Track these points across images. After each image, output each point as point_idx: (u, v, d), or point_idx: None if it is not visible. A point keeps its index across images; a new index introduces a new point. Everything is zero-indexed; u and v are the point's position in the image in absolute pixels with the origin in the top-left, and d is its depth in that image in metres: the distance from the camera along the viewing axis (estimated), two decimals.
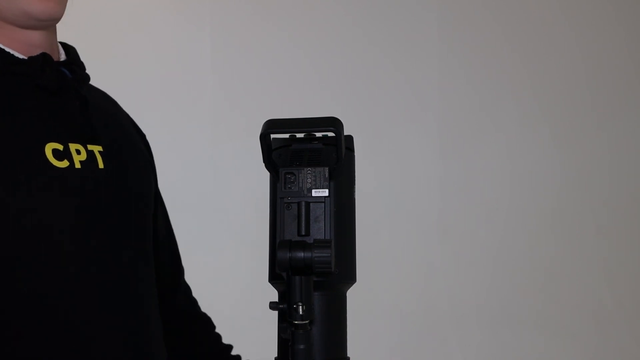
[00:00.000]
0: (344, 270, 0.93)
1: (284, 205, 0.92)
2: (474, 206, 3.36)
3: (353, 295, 0.98)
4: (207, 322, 1.33)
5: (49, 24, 1.02)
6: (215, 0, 3.23)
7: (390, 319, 3.21)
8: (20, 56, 1.01)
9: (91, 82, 1.15)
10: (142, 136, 1.24)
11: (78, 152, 0.99)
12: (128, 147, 1.13)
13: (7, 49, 1.00)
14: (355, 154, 0.99)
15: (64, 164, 0.96)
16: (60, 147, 0.97)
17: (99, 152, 1.02)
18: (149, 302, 1.10)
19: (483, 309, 3.27)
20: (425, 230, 3.32)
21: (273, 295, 0.96)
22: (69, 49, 1.11)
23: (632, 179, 3.42)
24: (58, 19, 1.03)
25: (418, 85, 3.35)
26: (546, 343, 3.23)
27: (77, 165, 0.97)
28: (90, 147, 1.01)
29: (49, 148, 0.96)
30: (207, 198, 3.14)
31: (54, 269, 0.95)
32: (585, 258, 3.36)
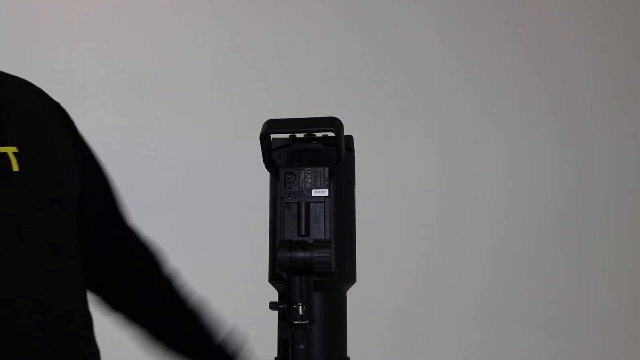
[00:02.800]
0: (344, 270, 0.93)
1: (284, 205, 0.92)
2: (474, 206, 3.36)
3: (353, 295, 0.98)
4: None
5: None
6: (215, 1, 3.23)
7: (390, 319, 3.21)
8: None
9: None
10: (68, 123, 1.15)
11: None
12: (47, 146, 1.06)
13: None
14: (355, 154, 0.99)
15: None
16: None
17: (14, 153, 0.97)
18: (68, 306, 1.05)
19: (483, 309, 3.27)
20: (425, 230, 3.32)
21: (273, 295, 0.96)
22: None
23: (632, 179, 3.42)
24: None
25: (418, 85, 3.35)
26: (546, 343, 3.23)
27: None
28: (3, 148, 0.96)
29: None
30: (207, 198, 3.14)
31: None
32: (585, 258, 3.36)
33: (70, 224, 1.07)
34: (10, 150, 0.96)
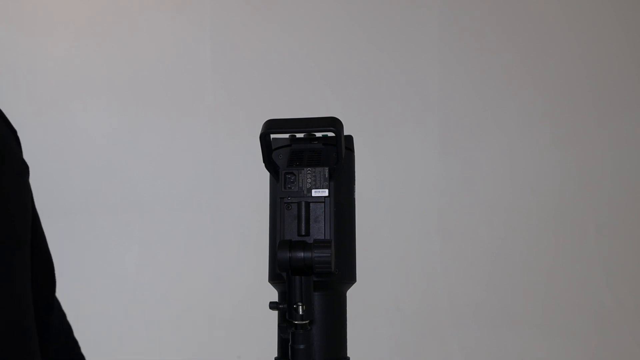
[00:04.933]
0: (344, 271, 0.93)
1: (284, 205, 0.92)
2: (474, 206, 3.35)
3: (353, 295, 0.98)
4: None
5: None
6: (215, 1, 3.23)
7: (390, 319, 3.21)
8: None
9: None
10: (13, 131, 1.10)
11: None
12: (4, 155, 1.02)
13: None
14: (356, 154, 0.99)
15: None
16: None
17: None
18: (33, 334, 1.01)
19: (483, 309, 3.27)
20: (426, 230, 3.32)
21: (273, 295, 0.96)
22: None
23: (632, 179, 3.42)
24: None
25: (418, 85, 3.35)
26: (546, 343, 3.23)
27: None
28: None
29: None
30: (207, 198, 3.14)
31: None
32: (585, 258, 3.35)
33: (26, 238, 1.03)
34: None
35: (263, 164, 0.94)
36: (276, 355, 0.97)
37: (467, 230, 3.35)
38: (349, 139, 0.98)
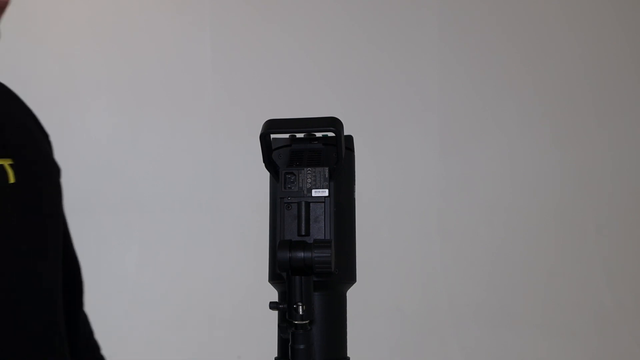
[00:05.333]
0: (344, 271, 0.93)
1: (284, 205, 0.92)
2: (474, 206, 3.36)
3: (353, 295, 0.98)
4: None
5: None
6: (215, 1, 3.23)
7: (390, 319, 3.21)
8: None
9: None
10: (45, 135, 1.14)
11: None
12: (38, 155, 1.06)
13: None
14: (356, 154, 0.99)
15: None
16: None
17: (10, 165, 0.96)
18: (61, 328, 1.04)
19: (483, 309, 3.27)
20: (426, 230, 3.32)
21: (273, 295, 0.96)
22: None
23: (632, 179, 3.42)
24: None
25: (418, 85, 3.35)
26: (546, 343, 3.23)
27: None
28: (0, 160, 0.95)
29: None
30: (207, 198, 3.14)
31: None
32: (585, 258, 3.36)
33: (60, 239, 1.06)
34: (6, 162, 0.95)
35: (263, 164, 0.94)
36: (276, 355, 0.96)
37: (467, 230, 3.35)
38: (349, 139, 0.97)
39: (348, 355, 0.96)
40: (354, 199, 0.97)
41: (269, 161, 0.94)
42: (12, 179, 0.94)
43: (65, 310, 1.09)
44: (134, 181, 3.12)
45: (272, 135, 0.95)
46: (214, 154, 3.18)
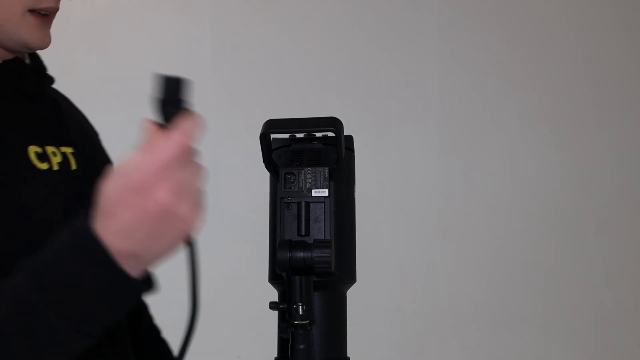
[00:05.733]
0: (344, 270, 0.93)
1: (284, 205, 0.92)
2: (474, 206, 3.36)
3: (353, 295, 0.98)
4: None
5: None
6: (215, 1, 3.23)
7: (390, 319, 3.21)
8: None
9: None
10: (97, 134, 1.22)
11: (54, 154, 0.99)
12: (94, 147, 1.13)
13: None
14: (356, 154, 0.99)
15: (45, 165, 0.97)
16: (40, 149, 0.97)
17: (71, 153, 1.02)
18: None
19: (483, 309, 3.27)
20: (426, 230, 3.32)
21: (273, 295, 0.96)
22: (31, 53, 1.12)
23: (632, 179, 3.42)
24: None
25: (418, 85, 3.35)
26: (546, 343, 3.23)
27: (55, 167, 0.98)
28: (63, 149, 1.01)
29: (31, 151, 0.96)
30: (207, 198, 3.14)
31: None
32: (585, 258, 3.36)
33: None
34: (68, 150, 1.01)
35: (263, 164, 0.94)
36: (276, 355, 0.96)
37: (467, 230, 3.35)
38: (349, 139, 0.97)
39: (348, 355, 0.96)
40: (354, 199, 0.97)
41: (269, 161, 0.94)
42: (74, 166, 1.00)
43: (133, 322, 1.14)
44: None
45: (272, 135, 0.95)
46: (214, 154, 3.18)
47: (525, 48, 3.39)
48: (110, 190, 0.69)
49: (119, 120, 3.18)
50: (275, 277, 0.93)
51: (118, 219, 0.68)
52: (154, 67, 3.50)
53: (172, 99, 0.72)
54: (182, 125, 0.70)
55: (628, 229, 3.41)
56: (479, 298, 3.28)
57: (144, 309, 1.29)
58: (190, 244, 0.74)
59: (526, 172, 3.38)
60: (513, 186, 3.37)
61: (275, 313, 0.92)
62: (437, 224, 3.33)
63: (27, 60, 1.05)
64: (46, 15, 0.98)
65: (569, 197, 3.38)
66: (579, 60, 3.42)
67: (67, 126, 1.04)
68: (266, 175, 0.96)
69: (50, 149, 0.99)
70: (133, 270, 0.70)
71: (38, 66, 1.06)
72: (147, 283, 0.74)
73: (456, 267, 3.30)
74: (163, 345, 1.29)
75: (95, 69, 3.10)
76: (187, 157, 0.70)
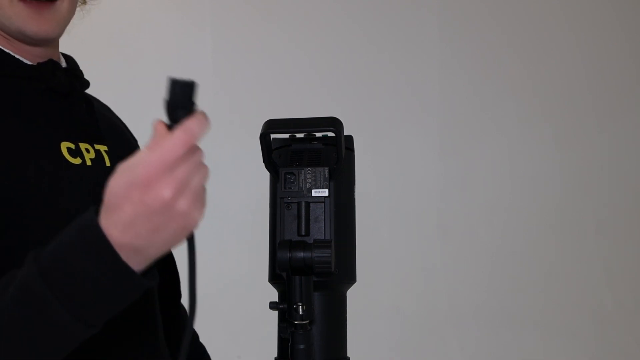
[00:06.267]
0: (344, 271, 0.93)
1: (284, 205, 0.92)
2: (474, 206, 3.36)
3: (353, 295, 0.98)
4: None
5: (43, 44, 1.04)
6: (215, 1, 3.23)
7: (390, 319, 3.21)
8: (29, 63, 1.03)
9: (90, 89, 1.17)
10: (135, 141, 1.28)
11: (87, 150, 1.02)
12: (128, 148, 1.16)
13: (17, 56, 1.02)
14: (356, 154, 0.99)
15: (77, 160, 0.99)
16: (72, 145, 0.99)
17: (105, 151, 1.05)
18: (156, 299, 1.12)
19: (483, 309, 3.27)
20: (425, 230, 3.32)
21: (273, 295, 0.96)
22: (68, 58, 1.15)
23: (632, 179, 3.42)
24: (52, 40, 1.05)
25: (418, 85, 3.35)
26: (546, 343, 3.23)
27: (88, 163, 1.00)
28: (97, 146, 1.04)
29: (63, 146, 0.98)
30: (207, 198, 3.14)
31: None
32: (585, 258, 3.36)
33: None
34: (102, 148, 1.04)
35: (263, 164, 0.94)
36: (276, 355, 0.97)
37: (467, 230, 3.35)
38: (349, 139, 0.97)
39: (348, 355, 0.96)
40: (354, 199, 0.97)
41: (269, 161, 0.94)
42: (108, 163, 1.03)
43: (164, 301, 1.16)
44: None
45: (272, 135, 0.95)
46: (214, 154, 3.17)
47: (525, 49, 3.39)
48: (116, 185, 0.70)
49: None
50: (275, 277, 0.93)
51: (121, 212, 0.70)
52: (155, 67, 3.52)
53: (181, 102, 0.74)
54: (188, 125, 0.73)
55: (628, 229, 3.41)
56: (479, 298, 3.28)
57: (182, 311, 1.31)
58: (190, 240, 0.76)
59: (526, 173, 3.38)
60: (513, 186, 3.37)
61: (275, 313, 0.92)
62: (437, 224, 3.33)
63: (64, 65, 1.07)
64: (39, 2, 0.98)
65: (569, 197, 3.38)
66: (578, 60, 3.42)
67: (98, 124, 1.07)
68: (266, 175, 0.96)
69: (83, 146, 1.01)
70: (134, 263, 0.72)
71: (73, 69, 1.09)
72: (149, 277, 0.75)
73: (456, 267, 3.30)
74: (201, 348, 1.33)
75: (96, 69, 3.09)
76: (192, 156, 0.72)
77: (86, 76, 1.18)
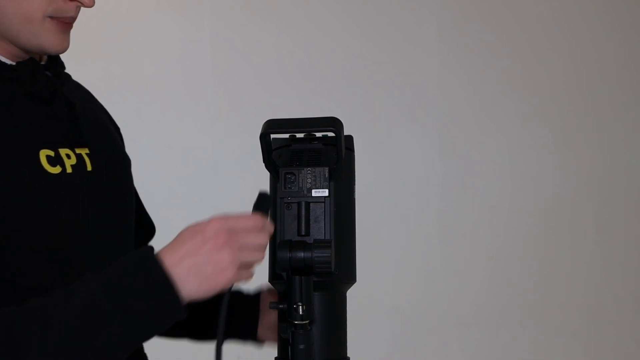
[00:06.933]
0: (344, 271, 0.93)
1: (284, 205, 0.92)
2: (474, 206, 3.36)
3: (353, 295, 0.98)
4: None
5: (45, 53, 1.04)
6: (215, 1, 3.23)
7: (390, 319, 3.21)
8: (8, 62, 1.01)
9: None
10: (117, 128, 1.26)
11: (68, 156, 1.00)
12: (111, 145, 1.15)
13: None
14: (355, 154, 0.99)
15: (57, 169, 0.98)
16: (52, 153, 0.98)
17: (86, 154, 1.03)
18: None
19: (483, 309, 3.27)
20: (425, 231, 3.32)
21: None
22: None
23: (632, 179, 3.42)
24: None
25: (418, 85, 3.35)
26: (546, 343, 3.23)
27: (69, 170, 0.99)
28: (78, 150, 1.02)
29: (42, 155, 0.97)
30: (207, 198, 3.14)
31: (59, 270, 0.98)
32: (585, 258, 3.36)
33: (131, 222, 1.16)
34: (83, 151, 1.03)
35: (263, 164, 0.94)
36: (276, 355, 0.96)
37: (467, 231, 3.35)
38: (349, 139, 0.97)
39: (348, 355, 0.96)
40: (354, 199, 0.97)
41: (269, 161, 0.94)
42: (89, 167, 1.02)
43: None
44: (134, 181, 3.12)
45: (272, 135, 0.95)
46: (214, 154, 3.18)
47: (524, 49, 3.39)
48: (187, 231, 0.85)
49: (118, 120, 3.18)
50: (275, 277, 0.93)
51: (179, 246, 0.84)
52: (153, 67, 3.51)
53: (261, 205, 0.89)
54: (260, 215, 0.88)
55: (628, 229, 3.41)
56: (479, 298, 3.28)
57: None
58: (225, 295, 0.86)
59: (526, 173, 3.38)
60: (513, 187, 3.37)
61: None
62: (437, 224, 3.33)
63: (44, 62, 1.06)
64: (68, 23, 1.01)
65: (569, 197, 3.38)
66: (578, 60, 3.41)
67: (81, 127, 1.05)
68: (266, 175, 0.96)
69: (64, 152, 1.00)
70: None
71: (55, 65, 1.07)
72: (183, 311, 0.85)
73: (456, 267, 3.30)
74: None
75: (94, 70, 3.09)
76: (258, 235, 0.85)
77: (84, 76, 1.18)
